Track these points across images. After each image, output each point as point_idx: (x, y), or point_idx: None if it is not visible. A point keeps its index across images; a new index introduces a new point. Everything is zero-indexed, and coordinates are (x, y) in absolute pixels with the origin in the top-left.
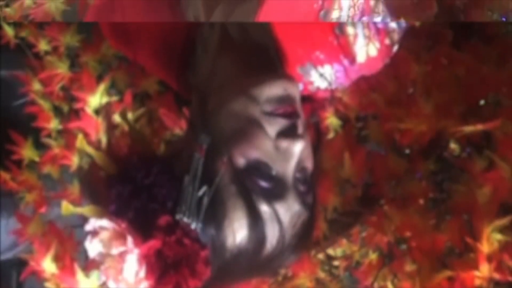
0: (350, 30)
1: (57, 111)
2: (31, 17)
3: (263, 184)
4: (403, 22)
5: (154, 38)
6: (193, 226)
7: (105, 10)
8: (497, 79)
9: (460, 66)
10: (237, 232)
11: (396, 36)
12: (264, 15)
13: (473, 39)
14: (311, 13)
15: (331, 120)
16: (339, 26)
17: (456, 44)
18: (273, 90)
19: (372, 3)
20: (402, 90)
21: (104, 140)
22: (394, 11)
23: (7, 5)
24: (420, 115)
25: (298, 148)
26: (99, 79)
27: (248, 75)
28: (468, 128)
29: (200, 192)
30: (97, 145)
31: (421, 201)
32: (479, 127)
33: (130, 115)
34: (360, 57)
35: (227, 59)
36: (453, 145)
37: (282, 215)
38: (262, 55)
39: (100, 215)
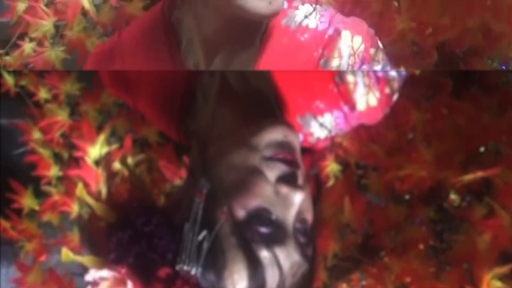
0: (350, 78)
1: (57, 158)
2: (31, 65)
3: (263, 230)
4: (403, 71)
5: (154, 86)
6: (193, 272)
7: (104, 58)
8: (497, 127)
9: (460, 114)
10: (237, 283)
11: (396, 85)
12: (264, 64)
13: (473, 88)
14: (311, 61)
15: (331, 167)
16: (339, 74)
17: (456, 92)
18: (273, 135)
19: (372, 51)
20: (402, 138)
21: (104, 190)
22: (394, 60)
23: (7, 54)
24: (420, 161)
25: (298, 198)
26: (99, 128)
27: (248, 124)
28: (468, 177)
29: (200, 237)
30: (97, 196)
31: (421, 247)
32: (479, 174)
33: (130, 160)
34: (360, 106)
35: (227, 107)
36: (453, 196)
37: (282, 261)
38: (262, 104)
39: (100, 266)
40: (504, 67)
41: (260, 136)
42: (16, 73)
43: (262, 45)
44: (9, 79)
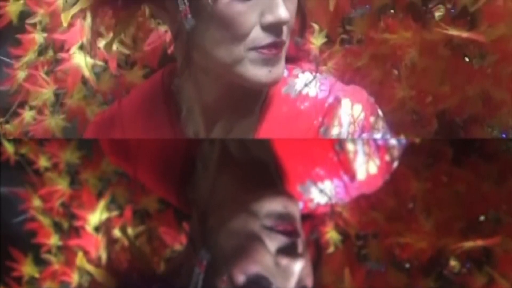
0: (350, 146)
1: (57, 227)
2: (31, 133)
3: None
4: (403, 139)
5: (154, 154)
6: None
7: (105, 127)
8: (498, 196)
9: (460, 183)
10: None
11: (396, 153)
12: (264, 132)
13: (473, 156)
14: (311, 129)
15: (331, 235)
16: (339, 143)
17: (456, 160)
18: (273, 205)
19: (372, 119)
20: (402, 206)
21: (104, 256)
22: (394, 128)
23: (7, 122)
24: (420, 231)
25: (298, 267)
26: (99, 196)
27: (248, 192)
28: (468, 244)
29: None
30: (97, 262)
31: None
32: (479, 243)
33: (130, 231)
34: (360, 175)
35: (227, 175)
36: (453, 262)
37: None
38: (262, 172)
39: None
40: (504, 135)
41: (260, 204)
42: (16, 142)
43: (262, 113)
44: (9, 148)
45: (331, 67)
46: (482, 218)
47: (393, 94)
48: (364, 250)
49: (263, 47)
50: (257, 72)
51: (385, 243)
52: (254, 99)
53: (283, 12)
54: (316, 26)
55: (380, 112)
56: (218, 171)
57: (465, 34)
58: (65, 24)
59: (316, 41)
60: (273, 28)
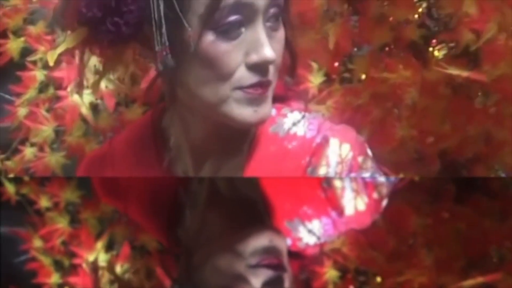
0: (337, 183)
1: (58, 265)
2: (32, 170)
3: None
4: (391, 178)
5: (144, 192)
6: None
7: (96, 165)
8: (499, 233)
9: (461, 219)
10: None
11: (384, 190)
12: (251, 170)
13: (476, 194)
14: (299, 169)
15: (329, 274)
16: (327, 180)
17: (458, 197)
18: (258, 241)
19: (360, 159)
20: (402, 243)
21: None
22: (395, 167)
23: (7, 158)
24: (421, 267)
25: None
26: (99, 235)
27: (235, 230)
28: (469, 282)
29: None
30: None
31: None
32: (480, 280)
33: (126, 268)
34: (349, 210)
35: (215, 213)
36: None
37: None
38: (250, 209)
39: None
40: (506, 175)
41: (246, 242)
42: (17, 182)
43: (250, 152)
44: (10, 188)
45: (330, 105)
46: (483, 255)
47: (394, 133)
48: (364, 287)
49: (248, 86)
50: (243, 112)
51: (386, 284)
52: (242, 138)
53: (269, 51)
54: (314, 65)
55: (369, 152)
56: (206, 209)
57: (465, 74)
58: (51, 63)
59: (314, 79)
60: (259, 68)
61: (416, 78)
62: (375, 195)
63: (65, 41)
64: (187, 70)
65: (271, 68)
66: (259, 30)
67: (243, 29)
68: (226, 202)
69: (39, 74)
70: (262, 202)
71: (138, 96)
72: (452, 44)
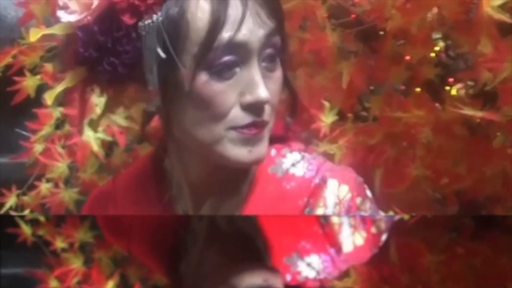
0: (335, 219)
1: None
2: (48, 205)
3: None
4: (392, 215)
5: (146, 229)
6: None
7: (99, 203)
8: None
9: (477, 256)
10: None
11: (383, 225)
12: (249, 209)
13: (493, 230)
14: (296, 209)
15: None
16: (324, 215)
17: (475, 234)
18: (253, 280)
19: (358, 201)
20: (416, 280)
21: None
22: (409, 206)
23: (24, 194)
24: None
25: None
26: (110, 275)
27: (230, 265)
28: None
29: None
30: None
31: None
32: None
33: None
34: (347, 247)
35: (213, 249)
36: None
37: None
38: (248, 246)
39: None
40: None
41: (241, 280)
42: (34, 223)
43: (248, 192)
44: (26, 229)
45: (342, 145)
46: None
47: (408, 173)
48: None
49: (242, 126)
50: (237, 152)
51: None
52: (241, 178)
53: (263, 92)
54: (326, 104)
55: (368, 193)
56: (206, 245)
57: (479, 114)
58: (49, 102)
59: (326, 118)
60: (253, 108)
61: (430, 118)
62: (373, 230)
63: (65, 80)
64: (182, 110)
65: (267, 108)
66: (254, 71)
67: (237, 69)
68: (225, 238)
69: (54, 111)
70: (260, 238)
71: (150, 133)
72: (470, 83)
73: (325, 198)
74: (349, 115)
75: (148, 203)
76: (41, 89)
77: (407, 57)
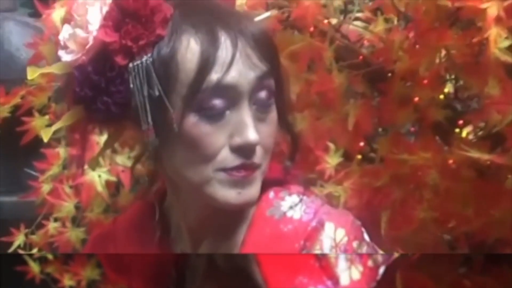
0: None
1: None
2: (55, 244)
3: None
4: (391, 254)
5: (146, 268)
6: None
7: (100, 242)
8: None
9: None
10: None
11: (380, 258)
12: (246, 249)
13: (503, 266)
14: (293, 251)
15: None
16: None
17: (483, 269)
18: None
19: (355, 244)
20: None
21: None
22: (416, 246)
23: (32, 233)
24: None
25: None
26: None
27: None
28: None
29: None
30: None
31: None
32: None
33: None
34: (344, 280)
35: (212, 286)
36: None
37: None
38: (247, 282)
39: None
40: None
41: None
42: (42, 261)
43: (245, 234)
44: (34, 267)
45: (348, 187)
46: None
47: (415, 215)
48: None
49: (231, 168)
50: (226, 194)
51: None
52: (238, 220)
53: (252, 134)
54: (331, 145)
55: (366, 237)
56: (204, 282)
57: (486, 157)
58: (45, 140)
59: (331, 160)
60: (242, 150)
61: (437, 160)
62: (370, 263)
63: (62, 119)
64: (173, 150)
65: (258, 151)
66: (244, 113)
67: (227, 112)
68: (223, 275)
69: (62, 151)
70: (257, 274)
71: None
72: (480, 125)
73: (321, 241)
74: (358, 156)
75: (147, 243)
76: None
77: (416, 99)
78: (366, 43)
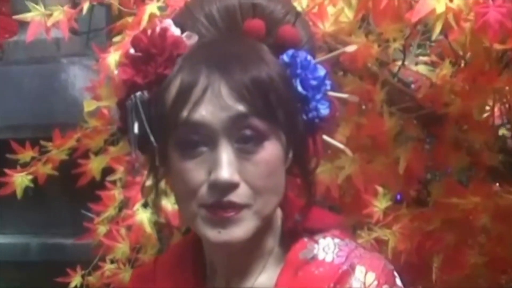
0: None
1: None
2: (112, 286)
3: None
4: None
5: None
6: None
7: (141, 280)
8: None
9: None
10: None
11: None
12: None
13: None
14: None
15: None
16: None
17: None
18: None
19: None
20: None
21: None
22: None
23: (89, 274)
24: None
25: None
26: None
27: None
28: None
29: None
30: None
31: None
32: None
33: None
34: None
35: None
36: None
37: None
38: None
39: None
40: None
41: None
42: None
43: (278, 274)
44: None
45: (397, 231)
46: None
47: (466, 260)
48: None
49: (210, 205)
50: (207, 232)
51: None
52: (269, 261)
53: (225, 173)
54: (380, 189)
55: (398, 282)
56: None
57: None
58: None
59: (380, 204)
60: (217, 188)
61: (487, 204)
62: None
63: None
64: (172, 185)
65: (242, 190)
66: (221, 150)
67: (204, 148)
68: None
69: (118, 194)
70: None
71: None
72: None
73: (351, 284)
74: (405, 201)
75: (185, 283)
76: (106, 171)
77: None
78: (417, 86)
